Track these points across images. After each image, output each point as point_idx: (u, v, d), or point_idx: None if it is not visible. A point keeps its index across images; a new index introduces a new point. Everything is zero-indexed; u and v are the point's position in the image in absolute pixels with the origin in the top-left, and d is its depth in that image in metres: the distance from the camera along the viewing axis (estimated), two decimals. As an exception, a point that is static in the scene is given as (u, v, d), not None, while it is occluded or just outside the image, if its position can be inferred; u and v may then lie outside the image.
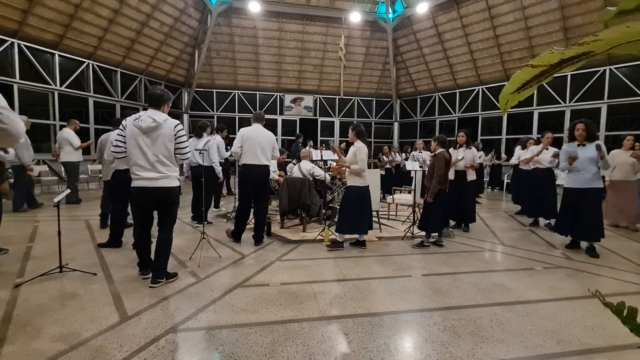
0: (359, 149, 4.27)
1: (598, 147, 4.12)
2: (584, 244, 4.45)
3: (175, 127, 3.12)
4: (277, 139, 14.01)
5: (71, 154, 7.04)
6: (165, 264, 3.23)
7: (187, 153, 3.22)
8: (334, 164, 5.52)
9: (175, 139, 3.11)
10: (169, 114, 3.23)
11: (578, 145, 4.28)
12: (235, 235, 4.64)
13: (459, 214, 5.52)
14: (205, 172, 5.17)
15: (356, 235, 4.54)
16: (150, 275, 3.22)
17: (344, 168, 4.56)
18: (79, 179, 7.28)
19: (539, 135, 6.20)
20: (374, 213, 5.61)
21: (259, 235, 4.63)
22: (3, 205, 4.13)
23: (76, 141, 7.04)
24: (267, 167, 4.49)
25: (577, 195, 4.26)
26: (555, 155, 5.31)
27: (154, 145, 3.04)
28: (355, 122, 4.43)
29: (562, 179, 4.69)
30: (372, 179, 5.27)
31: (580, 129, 4.26)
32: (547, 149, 5.60)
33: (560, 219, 4.59)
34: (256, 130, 4.47)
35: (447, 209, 4.83)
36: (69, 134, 7.04)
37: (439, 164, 4.47)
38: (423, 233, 4.77)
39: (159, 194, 3.09)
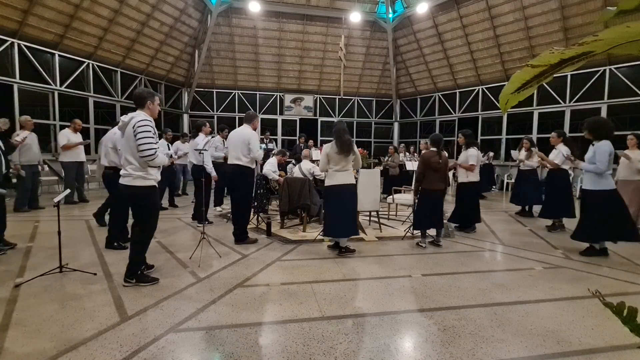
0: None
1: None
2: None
3: (135, 124, 2.98)
4: (275, 139, 14.07)
5: (65, 154, 7.06)
6: (132, 267, 3.13)
7: (145, 152, 2.97)
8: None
9: (134, 137, 2.98)
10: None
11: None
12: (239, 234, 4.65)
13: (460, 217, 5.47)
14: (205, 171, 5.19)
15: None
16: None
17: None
18: (74, 180, 7.25)
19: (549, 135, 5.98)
20: (374, 213, 5.62)
21: (234, 233, 4.60)
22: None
23: (61, 140, 7.01)
24: (237, 165, 4.45)
25: None
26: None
27: (124, 144, 3.13)
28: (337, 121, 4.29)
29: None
30: (372, 179, 5.28)
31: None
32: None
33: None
34: (237, 131, 4.63)
35: (439, 210, 4.64)
36: (60, 134, 7.12)
37: (419, 163, 4.66)
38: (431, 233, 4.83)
39: (125, 190, 3.14)
